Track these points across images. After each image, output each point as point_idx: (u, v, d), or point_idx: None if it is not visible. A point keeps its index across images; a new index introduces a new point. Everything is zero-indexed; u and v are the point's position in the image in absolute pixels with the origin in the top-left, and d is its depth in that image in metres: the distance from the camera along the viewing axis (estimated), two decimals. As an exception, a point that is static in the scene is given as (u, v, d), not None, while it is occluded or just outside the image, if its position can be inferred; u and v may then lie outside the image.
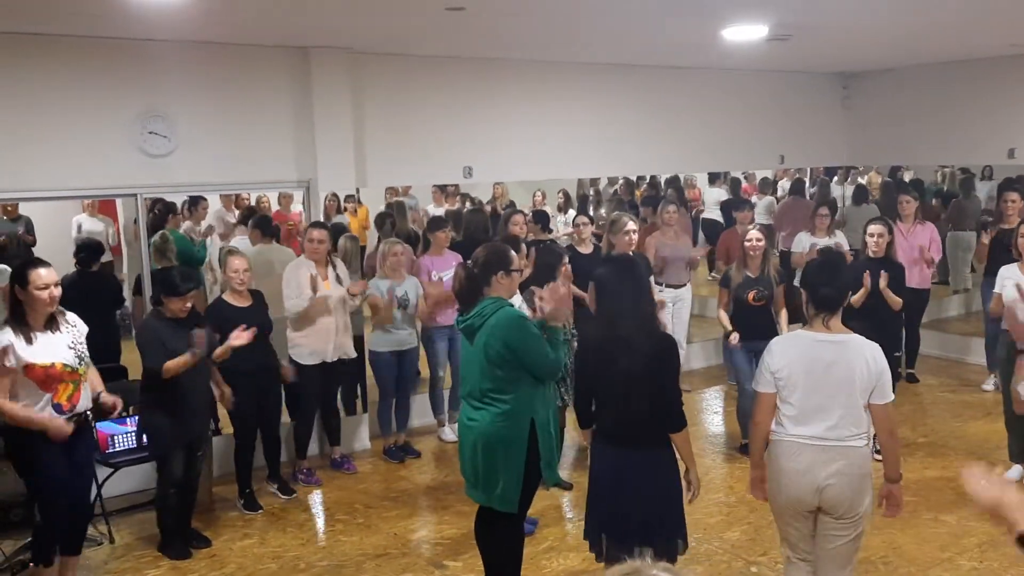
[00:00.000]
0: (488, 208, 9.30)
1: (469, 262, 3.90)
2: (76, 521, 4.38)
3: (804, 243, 7.43)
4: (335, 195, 7.36)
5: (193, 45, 5.73)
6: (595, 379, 3.61)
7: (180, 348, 4.63)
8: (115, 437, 5.31)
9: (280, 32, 5.69)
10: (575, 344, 5.52)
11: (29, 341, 3.97)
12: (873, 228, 5.94)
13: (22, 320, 3.99)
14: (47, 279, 3.99)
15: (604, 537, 3.59)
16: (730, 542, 4.87)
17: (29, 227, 8.04)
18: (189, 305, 4.73)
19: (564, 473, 5.54)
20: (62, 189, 5.59)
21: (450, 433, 6.49)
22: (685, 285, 7.32)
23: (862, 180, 10.72)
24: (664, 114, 8.04)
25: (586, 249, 6.75)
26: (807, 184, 10.57)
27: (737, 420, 6.30)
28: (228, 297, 5.35)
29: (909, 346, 7.64)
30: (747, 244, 5.94)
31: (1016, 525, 2.04)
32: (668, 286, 7.17)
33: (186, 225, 7.98)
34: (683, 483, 3.58)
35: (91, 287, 6.21)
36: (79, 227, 8.55)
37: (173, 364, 4.59)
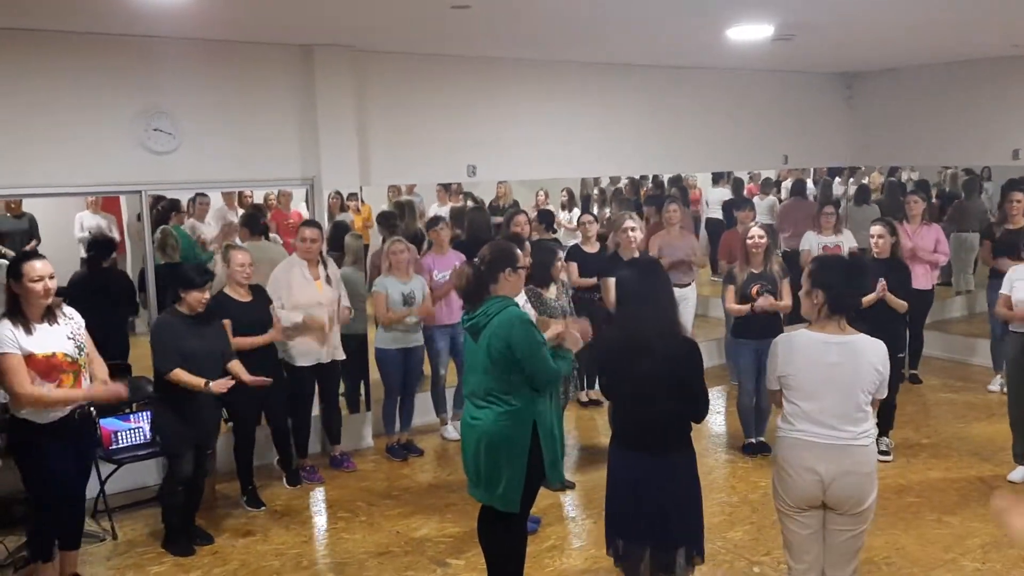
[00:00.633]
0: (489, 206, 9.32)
1: (476, 259, 3.90)
2: (74, 518, 4.39)
3: (811, 242, 7.43)
4: (338, 193, 7.36)
5: (197, 43, 5.73)
6: (615, 382, 3.62)
7: (195, 347, 4.67)
8: (119, 434, 5.31)
9: (284, 30, 5.69)
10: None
11: (29, 332, 3.99)
12: (875, 229, 5.92)
13: (19, 312, 4.01)
14: (41, 271, 4.01)
15: (620, 541, 3.59)
16: (733, 542, 4.86)
17: (33, 224, 8.04)
18: (207, 296, 4.77)
19: (567, 473, 5.54)
20: (66, 186, 5.59)
21: (452, 431, 6.49)
22: (689, 284, 7.31)
23: (864, 181, 10.71)
24: (668, 114, 8.04)
25: (591, 248, 6.75)
26: (808, 184, 10.55)
27: (739, 418, 6.30)
28: (229, 291, 5.35)
29: (912, 347, 7.61)
30: (749, 242, 5.96)
31: None
32: (674, 285, 7.16)
33: (189, 222, 8.00)
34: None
35: (102, 284, 6.20)
36: (81, 224, 8.55)
37: (184, 377, 4.65)
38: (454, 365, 6.50)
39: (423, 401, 6.65)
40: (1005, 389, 5.99)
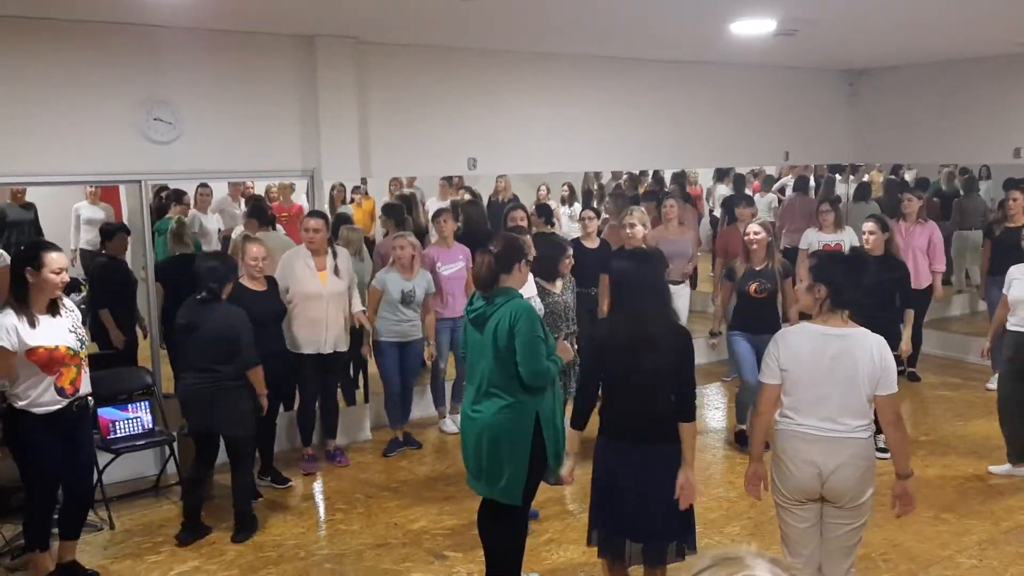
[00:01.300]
0: (486, 200, 9.29)
1: (492, 247, 3.88)
2: (78, 506, 4.40)
3: (812, 240, 7.42)
4: (342, 185, 7.34)
5: (199, 32, 5.71)
6: (608, 374, 3.59)
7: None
8: (116, 423, 5.31)
9: (286, 20, 5.67)
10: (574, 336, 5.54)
11: (32, 324, 3.98)
12: (866, 226, 5.94)
13: (25, 303, 4.00)
14: (60, 263, 4.03)
15: (607, 532, 3.58)
16: (730, 537, 4.86)
17: (35, 214, 8.02)
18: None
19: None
20: (65, 174, 5.58)
21: (451, 425, 6.49)
22: (683, 282, 7.32)
23: (864, 178, 10.69)
24: (669, 109, 8.03)
25: (592, 243, 6.74)
26: (811, 181, 10.54)
27: (736, 410, 6.32)
28: (245, 281, 5.35)
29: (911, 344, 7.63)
30: (747, 238, 5.95)
31: None
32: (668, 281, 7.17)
33: (191, 213, 7.96)
34: (678, 485, 3.48)
35: (114, 272, 6.21)
36: (78, 215, 8.51)
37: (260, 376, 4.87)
38: (453, 359, 6.50)
39: (420, 394, 6.65)
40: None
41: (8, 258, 4.63)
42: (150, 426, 5.40)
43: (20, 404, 4.03)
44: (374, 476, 5.87)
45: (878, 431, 5.77)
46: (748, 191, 10.34)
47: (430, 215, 7.32)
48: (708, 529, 4.95)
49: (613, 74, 7.65)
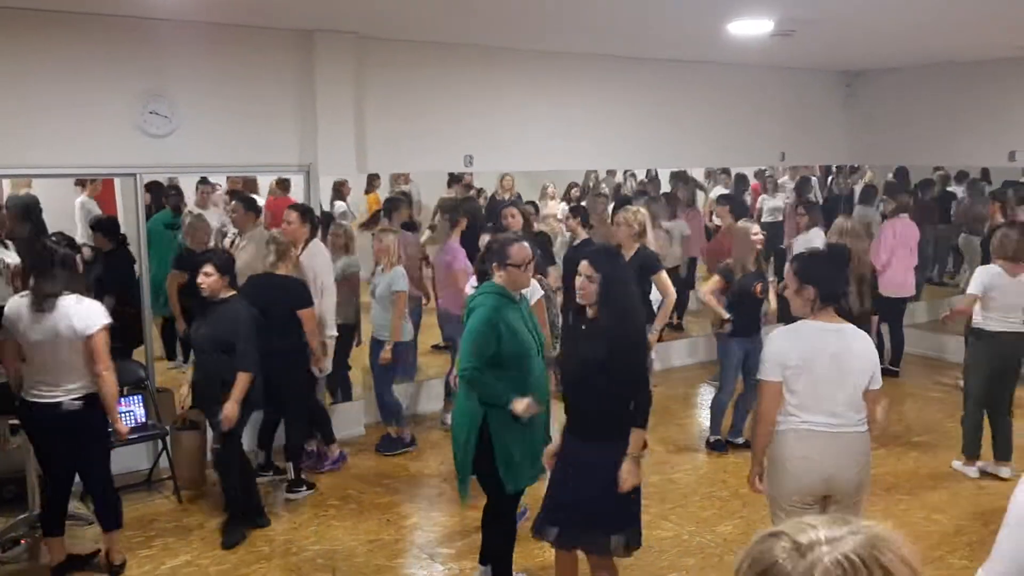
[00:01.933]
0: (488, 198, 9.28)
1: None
2: (97, 500, 4.50)
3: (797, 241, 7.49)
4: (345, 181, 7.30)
5: (196, 25, 5.69)
6: (563, 368, 3.66)
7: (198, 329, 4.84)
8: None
9: (285, 14, 5.66)
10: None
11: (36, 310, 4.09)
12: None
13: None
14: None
15: (553, 527, 3.59)
16: (723, 536, 4.87)
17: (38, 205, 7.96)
18: (204, 277, 4.76)
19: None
20: (60, 167, 5.55)
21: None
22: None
23: (864, 180, 10.67)
24: (666, 108, 8.03)
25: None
26: (813, 181, 10.49)
27: (710, 418, 6.32)
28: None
29: (892, 343, 7.80)
30: (754, 238, 6.01)
31: None
32: None
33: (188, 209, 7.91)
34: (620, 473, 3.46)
35: (112, 264, 6.19)
36: (83, 208, 8.45)
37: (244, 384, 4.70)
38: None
39: (428, 388, 6.63)
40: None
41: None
42: (143, 420, 5.39)
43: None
44: (367, 472, 5.86)
45: None
46: (748, 192, 10.35)
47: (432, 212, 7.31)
48: (701, 528, 4.96)
49: (611, 73, 7.64)
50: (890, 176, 9.82)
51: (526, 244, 3.95)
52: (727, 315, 5.93)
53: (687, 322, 8.89)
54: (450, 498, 5.29)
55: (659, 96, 7.97)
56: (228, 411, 4.64)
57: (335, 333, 5.75)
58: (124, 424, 4.52)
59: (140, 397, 5.42)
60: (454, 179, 9.40)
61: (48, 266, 4.09)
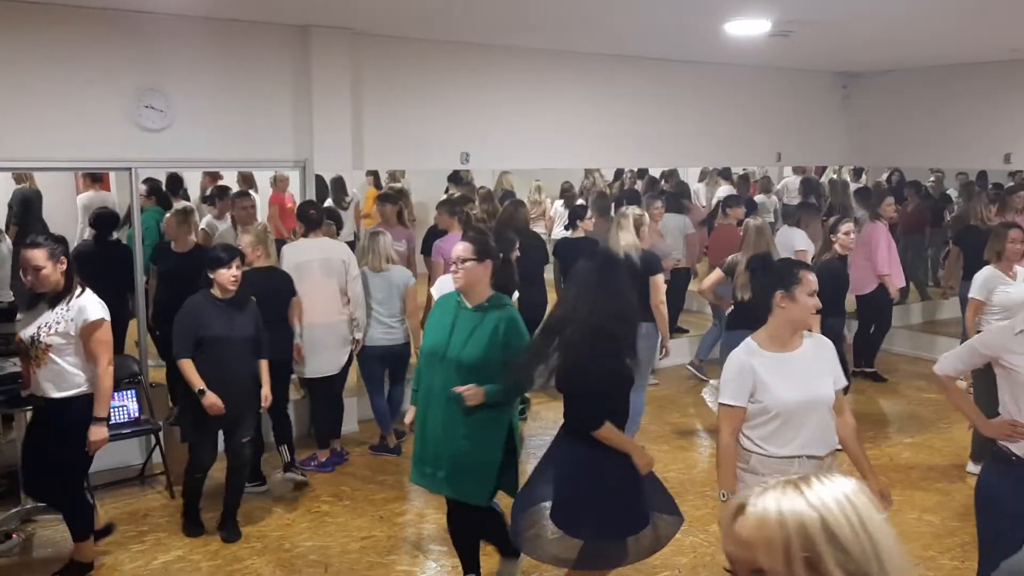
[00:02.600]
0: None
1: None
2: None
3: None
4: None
5: (193, 20, 5.68)
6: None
7: (220, 332, 4.56)
8: (102, 411, 5.27)
9: (281, 9, 5.65)
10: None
11: (26, 309, 4.12)
12: (845, 227, 6.09)
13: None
14: (28, 262, 3.97)
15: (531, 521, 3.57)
16: (715, 535, 4.87)
17: (39, 199, 7.93)
18: (237, 272, 4.62)
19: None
20: (55, 160, 5.54)
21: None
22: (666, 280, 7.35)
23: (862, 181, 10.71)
24: (663, 107, 8.03)
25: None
26: (819, 183, 10.50)
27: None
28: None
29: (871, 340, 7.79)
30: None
31: None
32: None
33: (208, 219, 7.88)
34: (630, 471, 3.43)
35: (108, 258, 6.17)
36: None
37: (188, 371, 4.54)
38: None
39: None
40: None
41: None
42: (136, 415, 5.37)
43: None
44: (360, 469, 5.86)
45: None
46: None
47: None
48: (693, 527, 4.96)
49: (608, 71, 7.65)
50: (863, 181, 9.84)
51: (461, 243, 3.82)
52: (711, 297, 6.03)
53: (685, 322, 8.89)
54: (443, 496, 5.27)
55: (656, 95, 7.97)
56: (267, 392, 4.83)
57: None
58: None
59: (134, 392, 5.41)
60: (454, 178, 9.38)
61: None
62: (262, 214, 7.79)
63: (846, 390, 3.51)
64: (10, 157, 5.37)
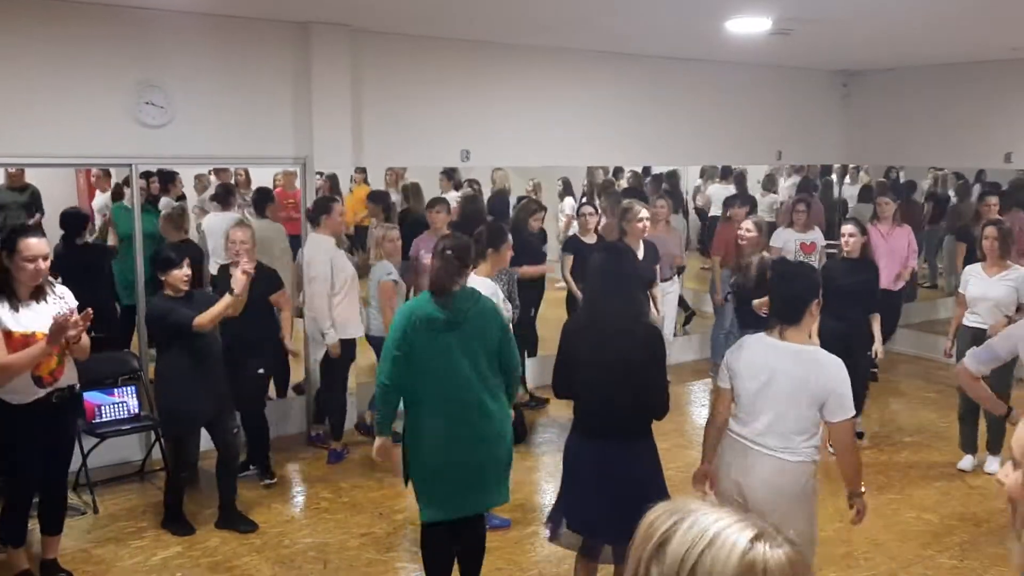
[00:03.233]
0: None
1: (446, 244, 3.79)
2: (53, 501, 4.30)
3: (784, 238, 7.50)
4: (332, 176, 7.30)
5: (193, 16, 5.67)
6: (578, 368, 3.53)
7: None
8: (102, 407, 5.28)
9: (281, 6, 5.64)
10: (515, 316, 5.53)
11: (15, 309, 3.90)
12: (845, 228, 5.98)
13: (8, 287, 3.90)
14: (36, 250, 3.89)
15: (567, 523, 3.56)
16: (714, 533, 4.88)
17: (35, 197, 7.90)
18: (188, 272, 4.62)
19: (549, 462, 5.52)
20: (55, 156, 5.54)
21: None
22: (671, 278, 7.35)
23: (863, 180, 10.70)
24: (663, 105, 8.02)
25: (591, 240, 6.75)
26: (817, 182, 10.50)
27: None
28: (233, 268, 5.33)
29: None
30: (739, 233, 6.08)
31: None
32: (661, 280, 7.18)
33: (164, 201, 7.87)
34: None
35: (79, 259, 6.13)
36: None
37: (208, 315, 4.50)
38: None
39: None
40: None
41: None
42: (136, 411, 5.37)
43: None
44: (359, 464, 5.86)
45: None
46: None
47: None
48: (692, 525, 4.96)
49: (609, 69, 7.64)
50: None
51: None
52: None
53: (684, 319, 8.89)
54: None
55: (656, 93, 7.97)
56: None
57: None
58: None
59: (134, 388, 5.41)
60: (448, 177, 9.35)
61: None
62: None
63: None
64: (9, 153, 5.37)
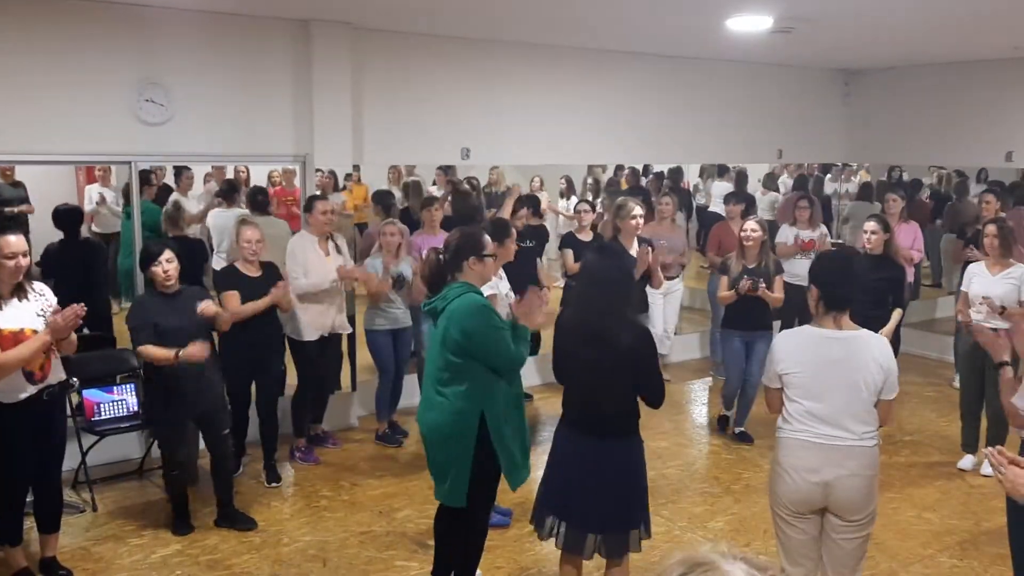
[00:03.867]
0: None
1: (440, 247, 3.82)
2: (50, 498, 4.29)
3: (787, 234, 7.49)
4: (332, 172, 7.30)
5: (194, 14, 5.66)
6: (566, 365, 3.57)
7: (172, 324, 4.49)
8: (102, 405, 5.28)
9: (282, 3, 5.63)
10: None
11: None
12: (868, 225, 5.94)
13: None
14: (15, 247, 3.86)
15: (556, 521, 3.55)
16: (714, 531, 4.88)
17: (24, 192, 7.90)
18: (169, 268, 4.54)
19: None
20: (55, 154, 5.52)
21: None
22: (677, 277, 7.35)
23: (857, 178, 10.71)
24: (663, 103, 8.02)
25: (586, 236, 6.74)
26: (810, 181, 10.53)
27: (723, 406, 6.43)
28: (240, 266, 5.32)
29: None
30: (743, 235, 5.98)
31: None
32: (667, 278, 7.18)
33: (174, 196, 7.88)
34: None
35: (76, 255, 6.12)
36: (90, 197, 8.38)
37: (154, 352, 4.44)
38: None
39: (410, 382, 6.62)
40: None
41: None
42: (135, 409, 5.36)
43: None
44: (360, 463, 5.85)
45: None
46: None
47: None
48: (692, 523, 4.97)
49: (609, 67, 7.63)
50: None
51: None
52: (733, 295, 5.98)
53: (683, 317, 8.88)
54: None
55: (657, 91, 7.96)
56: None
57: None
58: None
59: (132, 386, 5.40)
60: (445, 174, 9.34)
61: None
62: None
63: None
64: (9, 150, 5.35)
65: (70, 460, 4.61)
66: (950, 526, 4.96)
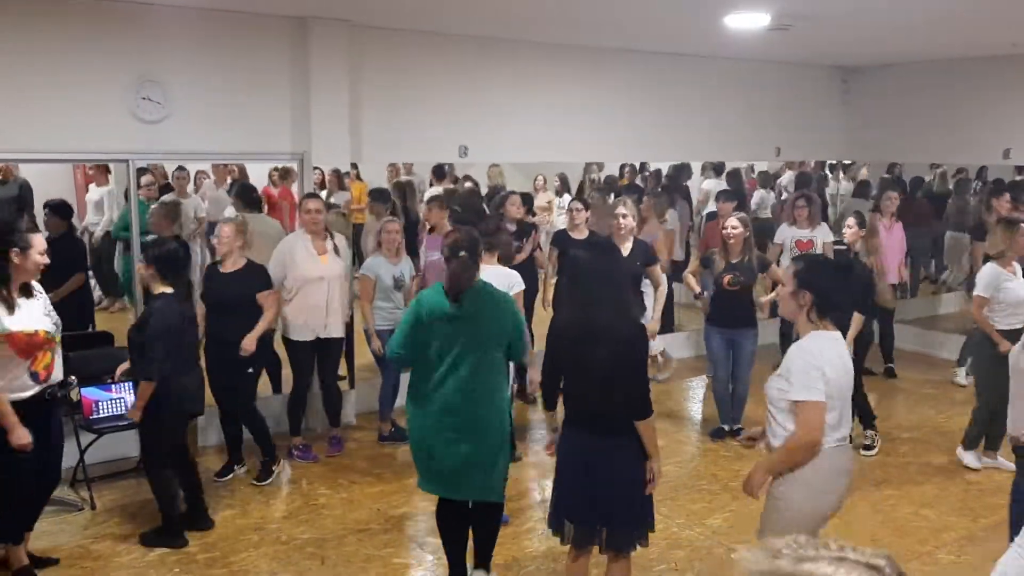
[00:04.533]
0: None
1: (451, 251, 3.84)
2: (41, 497, 4.28)
3: (785, 235, 7.48)
4: (336, 171, 7.30)
5: (191, 11, 5.65)
6: (565, 364, 3.54)
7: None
8: (100, 403, 5.28)
9: (279, 1, 5.62)
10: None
11: (11, 309, 3.85)
12: (848, 220, 6.07)
13: (6, 285, 3.85)
14: (42, 244, 3.94)
15: (566, 522, 3.56)
16: (712, 528, 4.88)
17: (25, 190, 7.88)
18: (143, 270, 4.60)
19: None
20: (52, 152, 5.51)
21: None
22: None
23: (861, 176, 10.70)
24: (662, 101, 8.01)
25: (580, 234, 6.73)
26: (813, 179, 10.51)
27: (716, 405, 6.43)
28: (221, 265, 5.32)
29: (884, 342, 7.72)
30: (724, 232, 6.02)
31: None
32: None
33: (169, 196, 7.87)
34: (646, 473, 3.49)
35: (61, 250, 6.11)
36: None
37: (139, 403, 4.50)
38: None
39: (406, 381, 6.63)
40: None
41: None
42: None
43: None
44: (358, 461, 5.85)
45: (868, 427, 5.81)
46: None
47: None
48: (690, 520, 4.97)
49: (607, 65, 7.63)
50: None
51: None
52: (697, 289, 6.18)
53: (682, 316, 8.89)
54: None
55: (655, 89, 7.95)
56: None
57: None
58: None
59: (131, 384, 5.39)
60: (438, 173, 9.34)
61: None
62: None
63: None
64: (6, 149, 5.35)
65: (68, 458, 4.60)
66: (949, 523, 4.96)
